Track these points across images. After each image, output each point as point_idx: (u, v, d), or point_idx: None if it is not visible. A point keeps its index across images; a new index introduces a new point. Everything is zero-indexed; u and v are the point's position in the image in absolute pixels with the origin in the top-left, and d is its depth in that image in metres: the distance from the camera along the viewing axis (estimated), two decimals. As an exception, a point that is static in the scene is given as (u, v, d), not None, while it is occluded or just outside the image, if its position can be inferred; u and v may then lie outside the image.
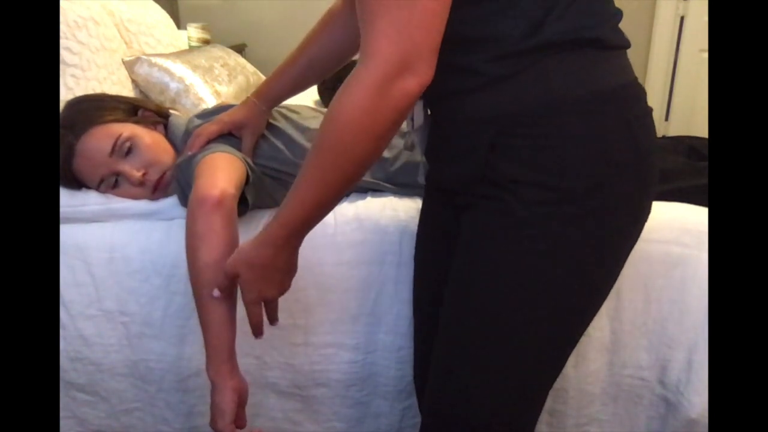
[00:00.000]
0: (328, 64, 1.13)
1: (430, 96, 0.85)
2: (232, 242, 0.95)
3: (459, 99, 0.80)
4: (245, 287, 0.86)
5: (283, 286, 0.88)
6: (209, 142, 1.14)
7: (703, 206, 1.17)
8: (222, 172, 1.01)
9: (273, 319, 0.92)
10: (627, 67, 0.81)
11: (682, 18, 3.44)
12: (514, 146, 0.77)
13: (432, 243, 1.01)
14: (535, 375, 0.83)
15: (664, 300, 1.12)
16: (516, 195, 0.77)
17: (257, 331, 0.90)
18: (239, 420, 0.92)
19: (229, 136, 1.16)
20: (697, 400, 1.11)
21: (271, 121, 1.21)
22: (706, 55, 3.33)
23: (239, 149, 1.14)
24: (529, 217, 0.77)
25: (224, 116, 1.17)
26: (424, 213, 1.04)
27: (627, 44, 0.81)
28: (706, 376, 1.10)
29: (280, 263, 0.84)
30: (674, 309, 1.12)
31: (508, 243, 0.79)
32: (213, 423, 0.90)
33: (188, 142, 1.16)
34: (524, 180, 0.77)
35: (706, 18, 3.25)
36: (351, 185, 0.77)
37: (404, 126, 0.88)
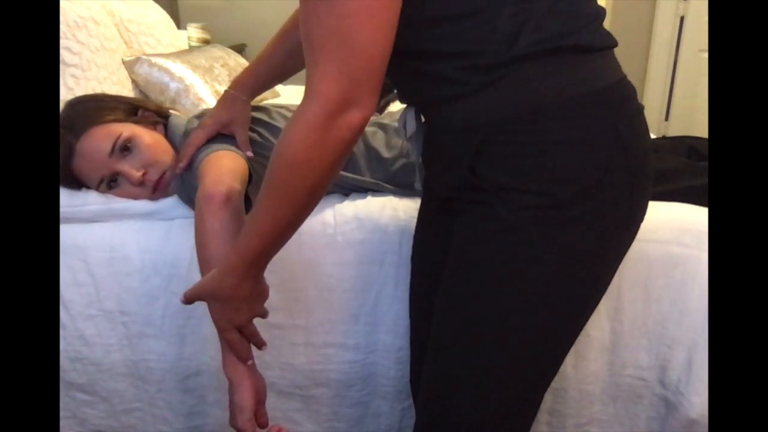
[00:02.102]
0: None
1: (419, 103, 0.86)
2: None
3: (443, 107, 0.80)
4: (213, 316, 0.88)
5: (253, 312, 0.89)
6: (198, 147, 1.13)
7: (703, 206, 1.16)
8: (226, 169, 1.01)
9: (258, 344, 0.92)
10: (612, 67, 0.79)
11: (682, 18, 3.45)
12: (499, 153, 0.77)
13: (428, 246, 1.02)
14: (526, 375, 0.83)
15: (664, 300, 1.12)
16: (504, 201, 0.77)
17: (242, 359, 0.90)
18: (260, 417, 0.91)
19: (220, 136, 1.14)
20: (697, 400, 1.11)
21: (269, 120, 1.21)
22: (706, 55, 3.33)
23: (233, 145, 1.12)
24: (517, 222, 0.77)
25: (207, 119, 1.15)
26: (422, 216, 1.04)
27: (611, 44, 0.79)
28: (706, 376, 1.10)
29: (244, 292, 0.85)
30: (674, 309, 1.12)
31: (497, 248, 0.79)
32: (233, 420, 0.89)
33: (180, 152, 1.15)
34: (511, 186, 0.77)
35: (706, 18, 3.25)
36: (306, 213, 0.79)
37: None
